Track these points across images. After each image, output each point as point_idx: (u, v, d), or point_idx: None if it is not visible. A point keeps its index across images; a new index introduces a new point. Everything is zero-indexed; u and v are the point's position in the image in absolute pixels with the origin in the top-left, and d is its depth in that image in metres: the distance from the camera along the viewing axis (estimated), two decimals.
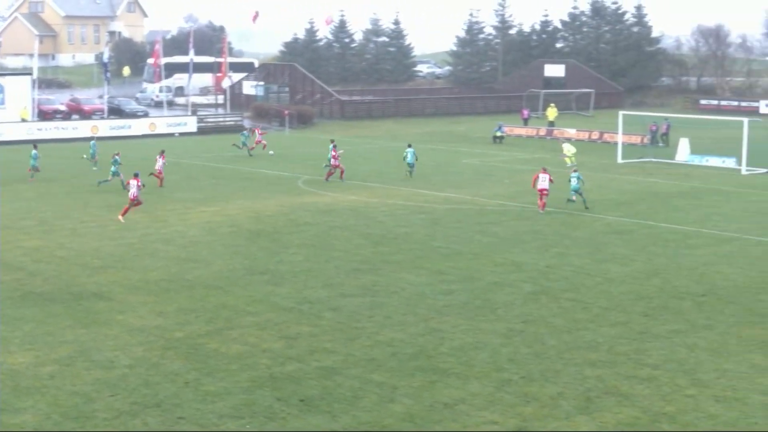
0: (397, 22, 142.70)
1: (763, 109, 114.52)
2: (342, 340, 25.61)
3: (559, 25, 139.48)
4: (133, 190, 43.39)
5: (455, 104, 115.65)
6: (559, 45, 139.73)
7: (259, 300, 29.68)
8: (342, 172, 56.50)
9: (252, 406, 20.96)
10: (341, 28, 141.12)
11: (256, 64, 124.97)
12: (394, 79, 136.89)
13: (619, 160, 67.29)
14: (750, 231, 41.19)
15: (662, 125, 79.03)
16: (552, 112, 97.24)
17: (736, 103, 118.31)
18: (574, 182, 46.90)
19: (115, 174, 53.06)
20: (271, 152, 70.73)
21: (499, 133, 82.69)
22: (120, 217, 42.92)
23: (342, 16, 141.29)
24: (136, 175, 43.92)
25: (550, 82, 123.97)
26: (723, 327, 26.95)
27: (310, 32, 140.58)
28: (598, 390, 21.89)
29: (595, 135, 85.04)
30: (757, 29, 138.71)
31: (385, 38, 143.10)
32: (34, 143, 62.55)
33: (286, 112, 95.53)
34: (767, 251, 37.11)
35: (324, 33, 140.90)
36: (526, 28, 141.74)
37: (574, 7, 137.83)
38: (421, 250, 37.03)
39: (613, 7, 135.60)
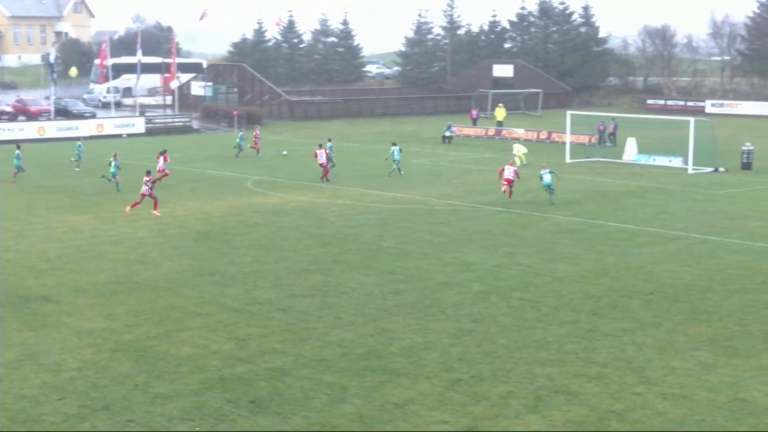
0: (345, 23, 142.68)
1: (709, 109, 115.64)
2: (292, 341, 25.56)
3: (507, 26, 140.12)
4: (144, 188, 44.54)
5: (404, 104, 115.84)
6: (507, 45, 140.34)
7: (209, 301, 29.56)
8: (326, 173, 57.04)
9: (202, 408, 20.87)
10: (290, 28, 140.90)
11: (205, 65, 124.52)
12: (343, 79, 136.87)
13: (568, 159, 67.68)
14: (696, 229, 41.59)
15: (610, 125, 79.63)
16: (500, 112, 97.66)
17: (682, 103, 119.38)
18: (547, 178, 48.09)
19: (114, 175, 53.11)
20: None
21: (448, 133, 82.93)
22: (127, 208, 44.60)
23: (290, 16, 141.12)
24: (148, 173, 45.35)
25: (499, 82, 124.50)
26: (670, 325, 27.19)
27: (259, 33, 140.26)
28: (547, 389, 22.00)
29: (543, 135, 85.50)
30: (703, 29, 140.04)
31: (333, 38, 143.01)
32: (17, 143, 62.30)
33: (235, 112, 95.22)
34: (713, 249, 37.48)
35: (272, 33, 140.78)
36: (475, 29, 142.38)
37: (522, 8, 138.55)
38: (370, 250, 37.05)
39: (561, 7, 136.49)
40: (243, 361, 23.84)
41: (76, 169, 60.97)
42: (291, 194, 51.09)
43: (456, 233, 40.49)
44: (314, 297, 30.06)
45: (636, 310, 28.74)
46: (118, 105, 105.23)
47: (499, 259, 35.41)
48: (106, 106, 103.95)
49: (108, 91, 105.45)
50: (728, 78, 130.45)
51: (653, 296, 30.30)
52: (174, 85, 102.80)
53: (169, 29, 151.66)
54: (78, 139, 67.95)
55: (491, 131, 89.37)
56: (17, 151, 57.84)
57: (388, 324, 27.11)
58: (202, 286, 31.38)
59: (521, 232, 40.74)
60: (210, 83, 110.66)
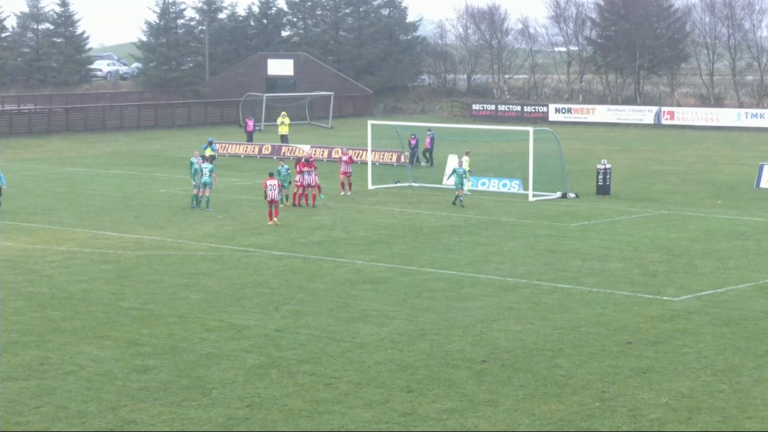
0: (64, 4, 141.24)
1: (553, 116, 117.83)
2: None
3: (285, 7, 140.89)
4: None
5: (148, 114, 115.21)
6: (285, 33, 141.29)
7: None
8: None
9: None
10: None
11: None
12: (63, 80, 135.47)
13: (370, 185, 68.19)
14: (540, 275, 42.42)
15: (426, 138, 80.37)
16: (284, 125, 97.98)
17: (518, 109, 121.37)
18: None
19: None
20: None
21: (210, 152, 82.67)
22: None
23: None
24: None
25: (276, 83, 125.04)
26: (510, 402, 27.64)
27: None
28: None
29: (336, 152, 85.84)
30: (542, 12, 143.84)
31: (48, 25, 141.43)
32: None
33: None
34: (562, 300, 38.26)
35: None
36: (242, 11, 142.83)
37: None
38: (105, 313, 36.65)
39: None
40: None
41: None
42: None
43: (222, 287, 40.40)
44: (28, 380, 29.56)
45: (465, 384, 29.14)
46: None
47: (280, 321, 35.47)
48: None
49: None
50: (577, 75, 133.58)
51: (487, 365, 30.77)
52: None
53: None
54: None
55: (268, 149, 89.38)
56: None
57: (132, 414, 26.85)
58: None
59: (310, 284, 40.90)
60: None
